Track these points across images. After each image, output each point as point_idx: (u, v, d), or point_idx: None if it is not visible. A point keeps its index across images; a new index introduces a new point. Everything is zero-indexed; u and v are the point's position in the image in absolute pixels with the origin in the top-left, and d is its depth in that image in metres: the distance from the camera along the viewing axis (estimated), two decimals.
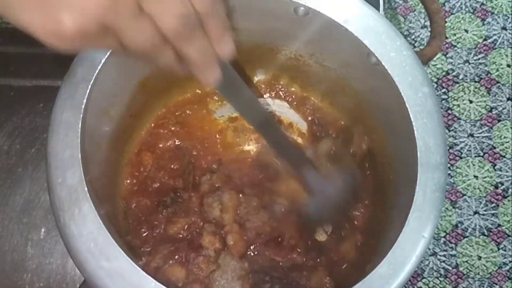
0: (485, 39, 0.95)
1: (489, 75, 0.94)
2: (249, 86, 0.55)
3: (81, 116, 0.41)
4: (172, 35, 0.30)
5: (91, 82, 0.43)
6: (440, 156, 0.42)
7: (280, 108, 0.61)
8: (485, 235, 0.87)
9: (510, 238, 0.87)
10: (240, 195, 0.54)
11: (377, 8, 0.60)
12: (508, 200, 0.89)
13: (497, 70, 0.94)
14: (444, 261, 0.87)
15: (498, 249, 0.88)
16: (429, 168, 0.42)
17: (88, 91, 0.43)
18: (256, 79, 0.60)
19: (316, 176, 0.52)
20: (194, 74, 0.34)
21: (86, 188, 0.39)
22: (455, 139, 0.93)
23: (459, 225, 0.88)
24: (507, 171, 0.90)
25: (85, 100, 0.42)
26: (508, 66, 0.94)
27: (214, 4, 0.32)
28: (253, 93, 0.42)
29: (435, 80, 0.94)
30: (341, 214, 0.55)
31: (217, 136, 0.60)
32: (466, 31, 0.96)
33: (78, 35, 0.28)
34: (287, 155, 0.50)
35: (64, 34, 0.27)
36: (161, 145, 0.57)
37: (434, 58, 0.89)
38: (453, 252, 0.87)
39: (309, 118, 0.60)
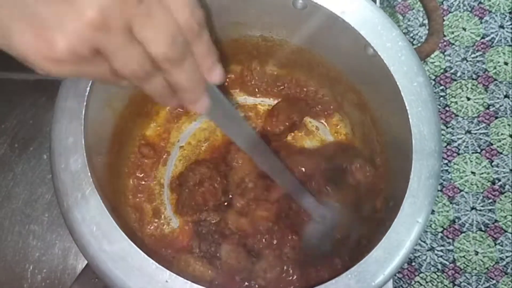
0: (482, 37, 0.96)
1: (486, 72, 0.95)
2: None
3: (85, 104, 0.42)
4: (162, 60, 0.30)
5: None
6: (434, 144, 0.43)
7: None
8: (482, 231, 0.88)
9: (507, 233, 0.88)
10: None
11: (374, 0, 0.61)
12: (505, 196, 0.90)
13: (495, 67, 0.95)
14: (441, 256, 0.88)
15: (495, 244, 0.88)
16: (423, 155, 0.42)
17: (91, 81, 0.43)
18: (255, 71, 0.60)
19: (312, 201, 0.51)
20: (182, 103, 0.34)
21: (89, 174, 0.40)
22: (453, 135, 0.93)
23: (456, 220, 0.89)
24: (504, 167, 0.90)
25: (88, 88, 0.43)
26: (506, 64, 0.95)
27: (201, 27, 0.31)
28: (240, 115, 0.41)
29: (433, 77, 0.95)
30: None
31: None
32: (464, 29, 0.97)
33: (69, 58, 0.27)
34: (279, 177, 0.49)
35: (55, 56, 0.27)
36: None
37: (432, 56, 0.90)
38: (451, 247, 0.88)
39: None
